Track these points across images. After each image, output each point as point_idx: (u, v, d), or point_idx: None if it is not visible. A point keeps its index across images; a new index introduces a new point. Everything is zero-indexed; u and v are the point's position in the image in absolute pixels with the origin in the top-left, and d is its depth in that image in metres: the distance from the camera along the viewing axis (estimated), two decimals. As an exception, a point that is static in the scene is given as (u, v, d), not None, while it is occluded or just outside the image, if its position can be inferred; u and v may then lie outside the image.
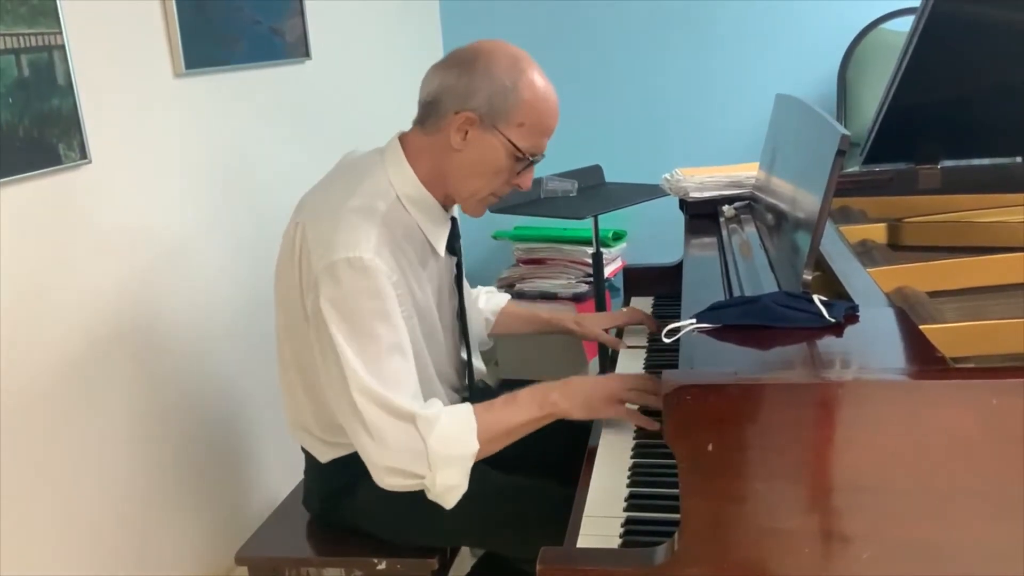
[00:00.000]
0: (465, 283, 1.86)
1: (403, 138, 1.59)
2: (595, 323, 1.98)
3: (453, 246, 1.68)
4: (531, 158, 1.54)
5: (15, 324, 1.62)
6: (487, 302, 1.99)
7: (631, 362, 1.84)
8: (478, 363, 1.86)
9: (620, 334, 2.00)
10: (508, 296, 2.06)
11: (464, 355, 1.78)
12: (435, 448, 1.41)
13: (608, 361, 1.96)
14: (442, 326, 1.68)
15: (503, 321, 1.99)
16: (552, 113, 1.54)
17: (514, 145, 1.51)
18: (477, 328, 1.92)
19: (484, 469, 1.73)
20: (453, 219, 1.68)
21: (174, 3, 1.99)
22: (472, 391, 1.80)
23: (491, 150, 1.52)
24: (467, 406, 1.50)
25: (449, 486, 1.44)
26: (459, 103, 1.49)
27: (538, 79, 1.52)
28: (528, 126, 1.51)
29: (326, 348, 1.45)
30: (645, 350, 1.89)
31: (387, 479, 1.45)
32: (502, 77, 1.49)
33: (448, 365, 1.74)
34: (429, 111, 1.54)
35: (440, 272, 1.66)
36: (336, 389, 1.45)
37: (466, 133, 1.51)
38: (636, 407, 1.52)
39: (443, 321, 1.69)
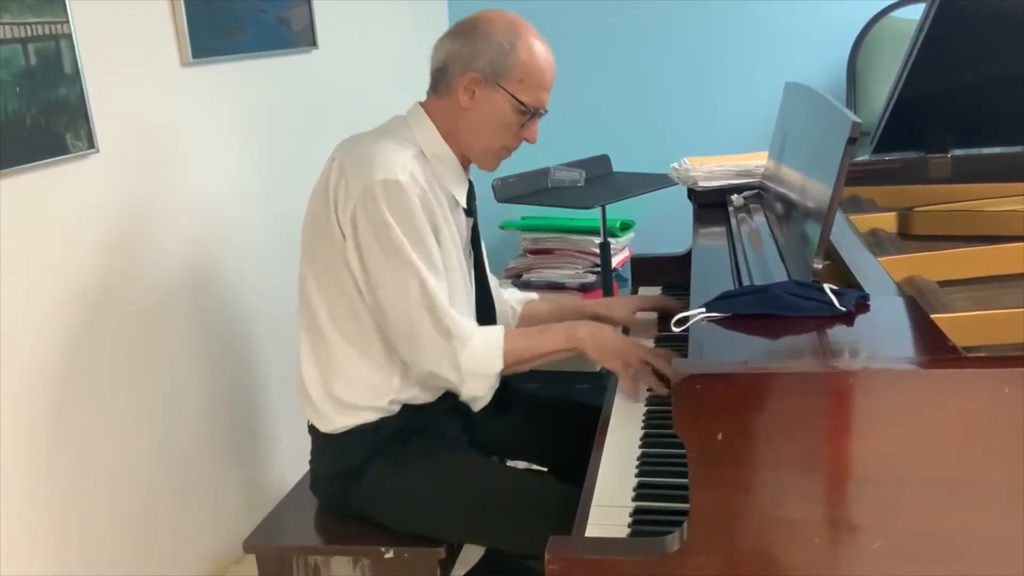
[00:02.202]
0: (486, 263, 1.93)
1: (422, 104, 1.73)
2: (624, 305, 2.01)
3: (470, 206, 1.78)
4: (534, 111, 1.68)
5: (20, 314, 1.62)
6: (512, 295, 2.03)
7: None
8: None
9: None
10: (535, 295, 2.10)
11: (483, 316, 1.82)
12: (466, 363, 1.62)
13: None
14: (467, 286, 1.78)
15: (529, 317, 2.01)
16: (548, 69, 1.69)
17: (517, 99, 1.66)
18: (501, 316, 1.96)
19: (489, 463, 1.75)
20: (470, 181, 1.78)
21: (181, -8, 1.99)
22: None
23: (497, 106, 1.66)
24: (500, 328, 1.70)
25: (475, 396, 1.65)
26: (464, 66, 1.65)
27: (534, 39, 1.68)
28: (528, 82, 1.66)
29: (371, 261, 1.59)
30: (655, 328, 1.91)
31: (427, 379, 1.66)
32: (500, 39, 1.65)
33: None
34: (439, 77, 1.70)
35: (461, 229, 1.76)
36: (381, 301, 1.60)
37: (473, 92, 1.66)
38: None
39: (466, 281, 1.78)
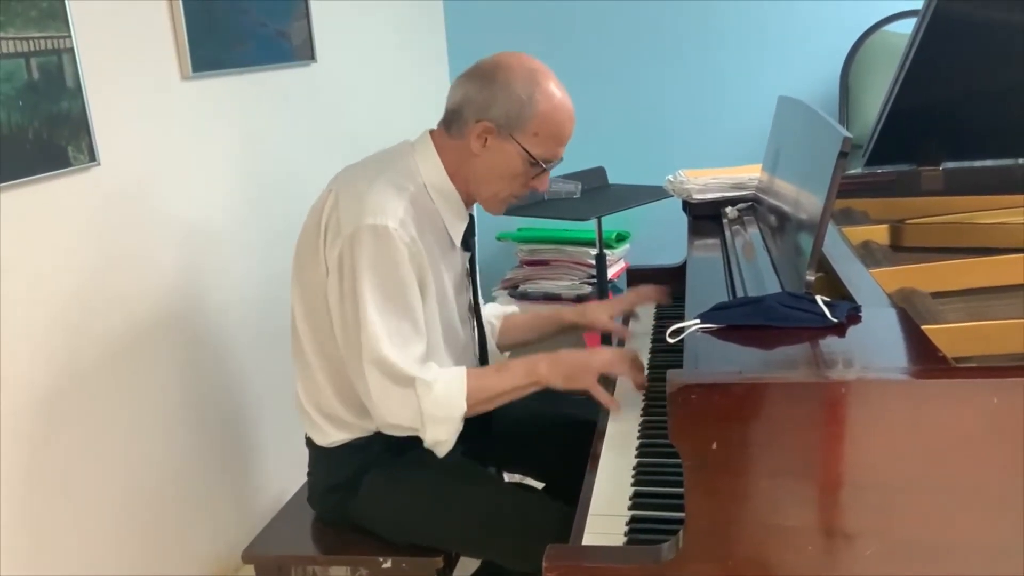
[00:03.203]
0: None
1: (432, 134, 1.71)
2: (600, 310, 1.99)
3: (468, 241, 1.77)
4: (544, 165, 1.65)
5: (20, 325, 1.64)
6: (492, 310, 2.03)
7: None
8: None
9: (626, 321, 2.02)
10: (515, 308, 2.09)
11: (478, 351, 1.82)
12: (428, 410, 1.57)
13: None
14: (459, 319, 1.76)
15: (508, 331, 2.01)
16: (565, 125, 1.65)
17: (529, 153, 1.62)
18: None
19: (485, 476, 1.75)
20: (471, 215, 1.76)
21: (181, 6, 2.01)
22: None
23: (508, 157, 1.63)
24: (461, 369, 1.63)
25: (438, 440, 1.60)
26: (479, 113, 1.62)
27: (554, 92, 1.62)
28: (542, 136, 1.62)
29: (345, 304, 1.57)
30: (651, 339, 1.91)
31: (387, 430, 1.62)
32: (519, 90, 1.60)
33: (464, 358, 1.78)
34: (454, 118, 1.66)
35: (456, 265, 1.74)
36: (348, 346, 1.58)
37: (485, 140, 1.63)
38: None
39: (460, 314, 1.76)
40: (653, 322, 2.09)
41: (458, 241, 1.72)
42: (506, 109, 1.60)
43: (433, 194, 1.66)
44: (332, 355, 1.65)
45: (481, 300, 1.88)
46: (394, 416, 1.58)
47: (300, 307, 1.69)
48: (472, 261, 1.80)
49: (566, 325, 2.00)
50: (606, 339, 2.61)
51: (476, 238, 1.81)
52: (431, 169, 1.67)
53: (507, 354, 2.04)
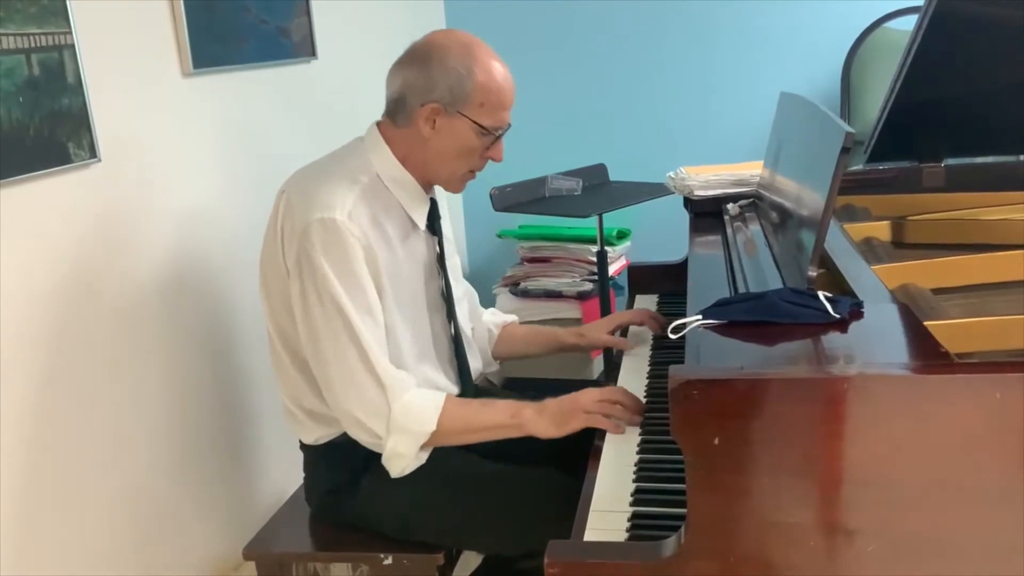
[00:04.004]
0: (467, 286, 1.94)
1: (379, 126, 1.71)
2: (598, 329, 1.98)
3: (433, 225, 1.76)
4: (496, 132, 1.66)
5: (21, 321, 1.63)
6: (492, 316, 2.02)
7: (636, 363, 1.84)
8: (475, 363, 1.89)
9: (625, 332, 2.01)
10: (514, 317, 2.08)
11: (452, 337, 1.80)
12: (396, 416, 1.56)
13: (614, 361, 1.96)
14: (428, 307, 1.75)
15: (506, 341, 2.01)
16: (508, 88, 1.66)
17: (479, 124, 1.63)
18: (481, 342, 1.97)
19: (481, 460, 1.74)
20: (432, 199, 1.76)
21: (182, 3, 2.00)
22: (466, 386, 1.81)
23: (460, 133, 1.64)
24: (442, 393, 1.62)
25: (398, 452, 1.57)
26: (423, 96, 1.62)
27: (490, 60, 1.64)
28: (488, 105, 1.63)
29: (308, 301, 1.57)
30: (650, 348, 1.90)
31: (352, 429, 1.59)
32: (456, 66, 1.61)
33: (435, 349, 1.77)
34: (398, 107, 1.67)
35: (424, 250, 1.74)
36: (313, 342, 1.58)
37: (434, 122, 1.63)
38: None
39: (429, 301, 1.75)
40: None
41: (421, 223, 1.71)
42: (448, 86, 1.61)
43: (388, 183, 1.67)
44: (300, 352, 1.65)
45: (457, 285, 1.87)
46: (362, 410, 1.56)
47: (267, 310, 1.71)
48: (441, 245, 1.79)
49: (565, 347, 2.00)
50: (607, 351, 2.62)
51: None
52: (383, 160, 1.67)
53: (497, 363, 2.04)
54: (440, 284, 1.78)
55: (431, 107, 1.61)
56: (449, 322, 1.79)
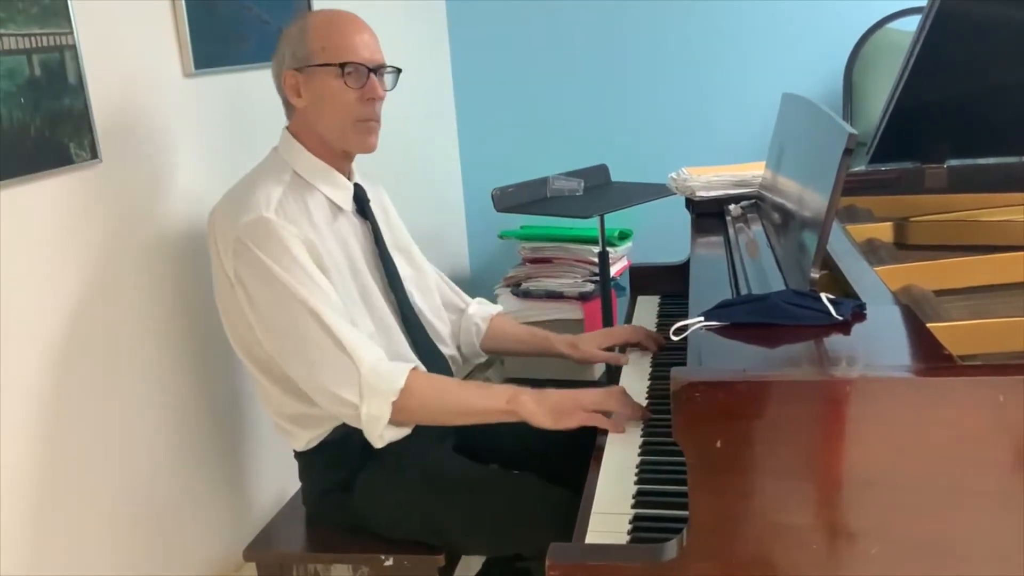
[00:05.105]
0: (435, 276, 1.95)
1: (288, 128, 1.76)
2: (592, 343, 1.91)
3: (363, 209, 1.78)
4: (355, 64, 1.65)
5: (21, 322, 1.63)
6: (478, 309, 1.99)
7: (637, 365, 1.84)
8: (447, 350, 1.87)
9: (622, 348, 1.95)
10: (500, 307, 2.05)
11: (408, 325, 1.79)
12: (366, 376, 1.54)
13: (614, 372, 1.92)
14: (380, 292, 1.76)
15: (495, 335, 1.98)
16: (344, 22, 1.69)
17: (329, 65, 1.64)
18: (467, 335, 1.96)
19: (474, 463, 1.74)
20: (357, 184, 1.78)
21: (183, 3, 2.00)
22: (434, 371, 1.76)
23: (322, 84, 1.66)
24: (409, 365, 1.59)
25: (372, 415, 1.54)
26: (278, 74, 1.70)
27: (322, 11, 1.71)
28: (329, 44, 1.65)
29: (256, 304, 1.59)
30: (650, 356, 1.88)
31: (330, 406, 1.58)
32: (292, 33, 1.69)
33: (391, 334, 1.75)
34: (282, 102, 1.74)
35: (358, 236, 1.76)
36: (273, 338, 1.60)
37: (298, 90, 1.67)
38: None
39: (380, 287, 1.76)
40: (656, 320, 2.09)
41: (347, 206, 1.74)
42: (291, 51, 1.66)
43: (306, 176, 1.70)
44: (266, 362, 1.67)
45: (419, 274, 1.88)
46: (335, 383, 1.54)
47: (228, 329, 1.73)
48: (376, 230, 1.79)
49: (556, 353, 1.94)
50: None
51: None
52: (296, 156, 1.71)
53: (484, 356, 2.01)
54: (382, 270, 1.78)
55: (286, 77, 1.67)
56: (400, 304, 1.79)
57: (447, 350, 1.87)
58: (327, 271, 1.62)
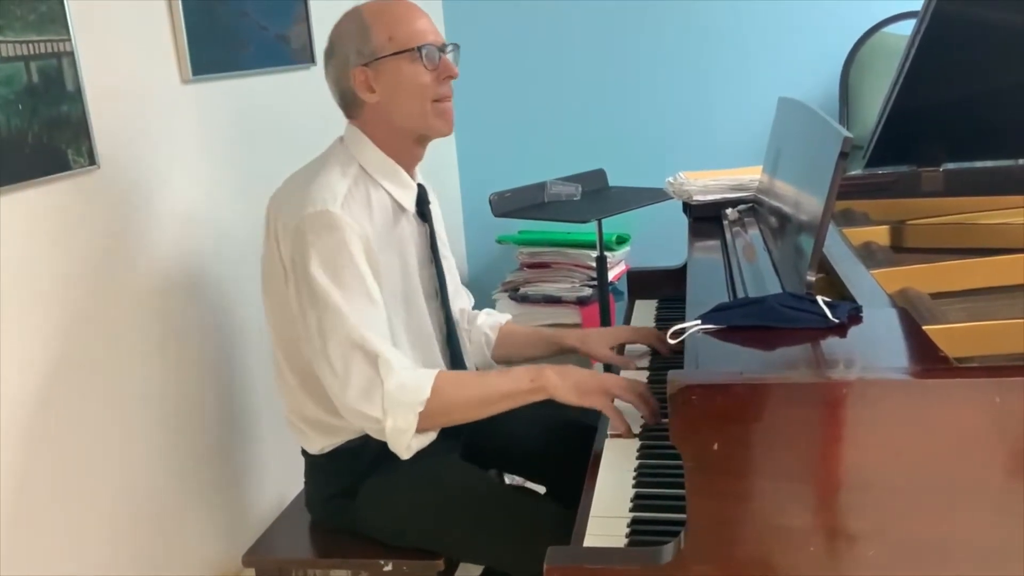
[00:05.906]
0: (462, 288, 1.94)
1: (351, 126, 1.75)
2: (600, 341, 1.92)
3: (423, 211, 1.77)
4: (427, 47, 1.64)
5: (19, 328, 1.63)
6: (486, 319, 2.00)
7: (632, 374, 1.83)
8: (468, 360, 1.88)
9: (623, 349, 1.96)
10: (508, 316, 2.06)
11: (446, 331, 1.80)
12: (390, 390, 1.52)
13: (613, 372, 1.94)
14: (424, 294, 1.76)
15: (504, 341, 1.99)
16: (401, 8, 1.68)
17: (401, 52, 1.63)
18: (477, 346, 1.97)
19: (484, 479, 1.74)
20: (420, 185, 1.77)
21: (181, 10, 2.01)
22: None
23: (396, 74, 1.64)
24: (434, 371, 1.58)
25: (398, 428, 1.53)
26: (345, 73, 1.67)
27: (373, 4, 1.68)
28: (396, 33, 1.64)
29: (302, 298, 1.57)
30: (649, 352, 1.89)
31: (356, 421, 1.57)
32: (351, 29, 1.66)
33: (429, 337, 1.76)
34: (343, 102, 1.72)
35: (415, 237, 1.75)
36: (310, 334, 1.57)
37: (370, 85, 1.65)
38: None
39: (425, 289, 1.76)
40: (654, 324, 2.09)
41: (410, 206, 1.73)
42: (356, 48, 1.64)
43: (373, 173, 1.69)
44: (300, 361, 1.66)
45: (449, 277, 1.87)
46: (359, 400, 1.53)
47: (269, 318, 1.72)
48: (432, 232, 1.79)
49: (566, 348, 1.96)
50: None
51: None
52: (363, 149, 1.70)
53: (493, 364, 2.01)
54: (433, 272, 1.79)
55: (355, 74, 1.65)
56: (443, 310, 1.80)
57: (468, 359, 1.89)
58: (377, 271, 1.61)
